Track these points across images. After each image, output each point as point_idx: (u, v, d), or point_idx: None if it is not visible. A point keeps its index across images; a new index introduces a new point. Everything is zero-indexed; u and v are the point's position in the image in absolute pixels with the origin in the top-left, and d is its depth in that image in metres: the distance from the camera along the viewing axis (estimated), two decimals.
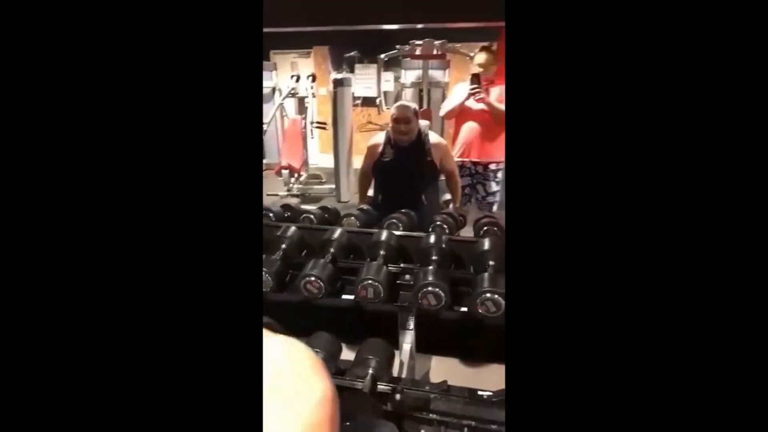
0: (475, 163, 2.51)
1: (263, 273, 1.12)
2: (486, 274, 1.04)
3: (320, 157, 5.05)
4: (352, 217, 1.42)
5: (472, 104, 2.39)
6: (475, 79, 2.30)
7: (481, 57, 2.38)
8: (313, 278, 1.08)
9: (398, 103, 1.97)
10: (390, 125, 1.93)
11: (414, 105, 2.01)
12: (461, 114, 2.45)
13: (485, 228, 1.29)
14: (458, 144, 2.51)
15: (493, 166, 2.48)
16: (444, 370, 1.33)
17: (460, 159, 2.48)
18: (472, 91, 2.30)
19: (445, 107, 2.54)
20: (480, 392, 1.14)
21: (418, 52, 3.76)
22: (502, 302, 0.98)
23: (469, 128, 2.47)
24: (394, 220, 1.37)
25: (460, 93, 2.42)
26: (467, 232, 1.44)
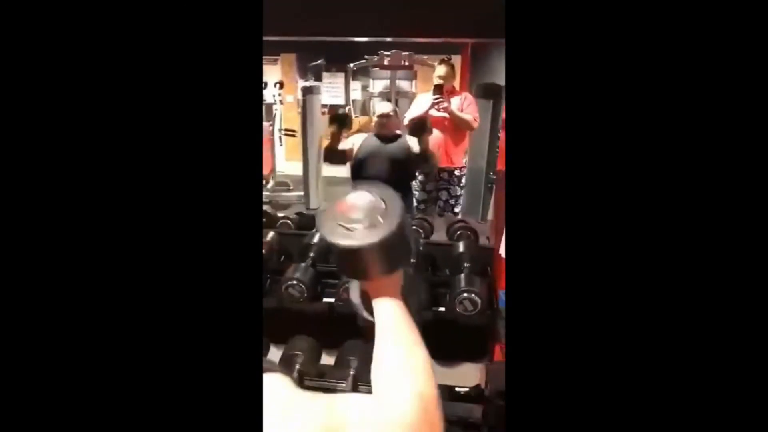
0: (439, 170, 2.60)
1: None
2: (462, 275, 1.09)
3: (286, 165, 5.02)
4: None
5: (435, 114, 2.47)
6: (438, 89, 2.39)
7: (441, 69, 2.48)
8: (294, 282, 1.09)
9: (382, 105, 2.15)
10: (375, 122, 2.11)
11: (393, 107, 2.17)
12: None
13: (459, 232, 1.35)
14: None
15: (457, 172, 2.57)
16: None
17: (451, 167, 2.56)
18: (436, 101, 2.39)
19: (409, 116, 2.61)
20: (458, 389, 1.19)
21: (386, 63, 3.84)
22: (479, 301, 1.04)
23: (435, 136, 2.55)
24: None
25: (423, 103, 2.50)
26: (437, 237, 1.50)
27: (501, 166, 2.86)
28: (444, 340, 1.34)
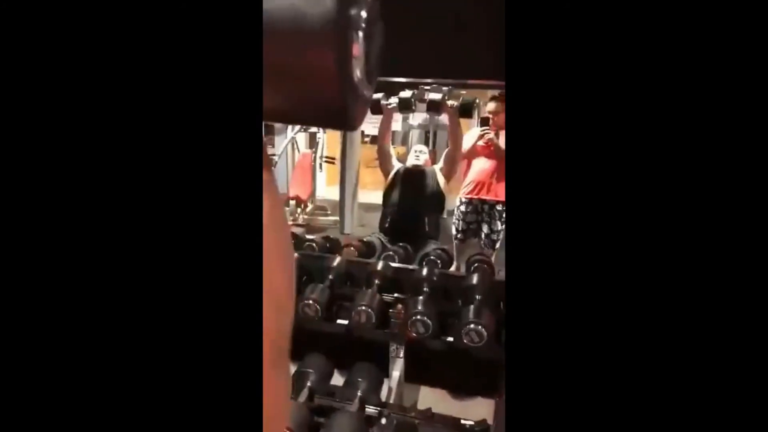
0: (482, 201, 2.63)
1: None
2: (472, 307, 1.11)
3: (327, 190, 5.20)
4: (351, 247, 1.51)
5: (483, 145, 2.54)
6: (486, 121, 2.47)
7: (491, 105, 2.56)
8: (310, 301, 1.16)
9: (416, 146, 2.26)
10: (410, 156, 2.26)
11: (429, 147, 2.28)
12: (471, 153, 2.59)
13: (476, 264, 1.37)
14: (468, 181, 2.64)
15: (499, 207, 2.59)
16: (431, 400, 1.37)
17: (468, 196, 2.60)
18: (482, 132, 2.46)
19: (464, 146, 2.69)
20: (463, 421, 1.19)
21: (425, 97, 3.96)
22: (485, 333, 1.05)
23: (480, 167, 2.60)
24: (390, 253, 1.46)
25: (471, 135, 2.57)
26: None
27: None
28: (455, 372, 1.36)
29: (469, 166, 2.68)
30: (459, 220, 2.67)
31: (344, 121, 0.25)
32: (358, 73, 0.23)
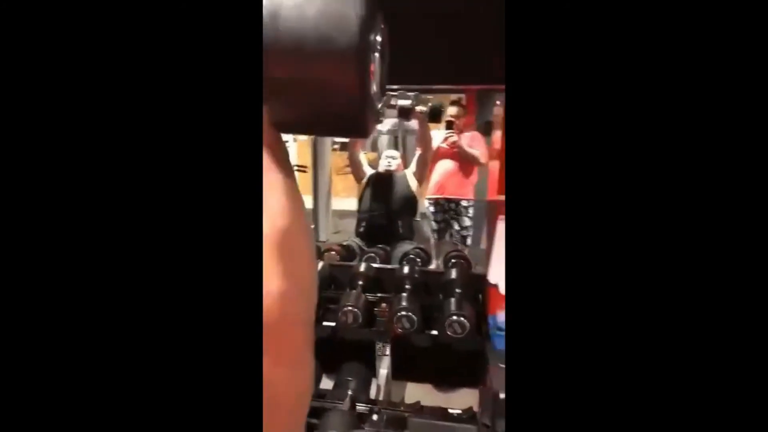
0: (448, 200, 2.73)
1: None
2: (453, 299, 1.17)
3: None
4: (333, 252, 1.54)
5: (446, 147, 2.64)
6: (450, 125, 2.57)
7: (452, 109, 2.66)
8: (350, 308, 1.18)
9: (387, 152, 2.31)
10: (380, 162, 2.35)
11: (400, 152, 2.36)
12: (435, 155, 2.67)
13: (453, 260, 1.43)
14: (432, 182, 2.73)
15: (464, 203, 2.70)
16: (419, 395, 1.42)
17: (434, 197, 2.68)
18: (447, 135, 2.56)
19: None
20: (450, 410, 1.24)
21: (392, 102, 4.03)
22: (467, 324, 1.11)
23: (443, 168, 2.70)
24: (372, 254, 1.50)
25: (435, 137, 2.66)
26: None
27: (491, 195, 2.99)
28: (440, 366, 1.41)
29: (432, 168, 2.77)
30: (431, 220, 2.76)
31: (362, 130, 0.28)
32: (374, 87, 0.26)
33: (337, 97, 0.25)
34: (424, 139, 2.30)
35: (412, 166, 2.39)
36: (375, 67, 0.26)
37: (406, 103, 2.19)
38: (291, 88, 0.25)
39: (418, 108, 2.20)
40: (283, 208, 0.29)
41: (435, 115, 2.29)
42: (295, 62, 0.25)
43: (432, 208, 2.76)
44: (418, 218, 2.55)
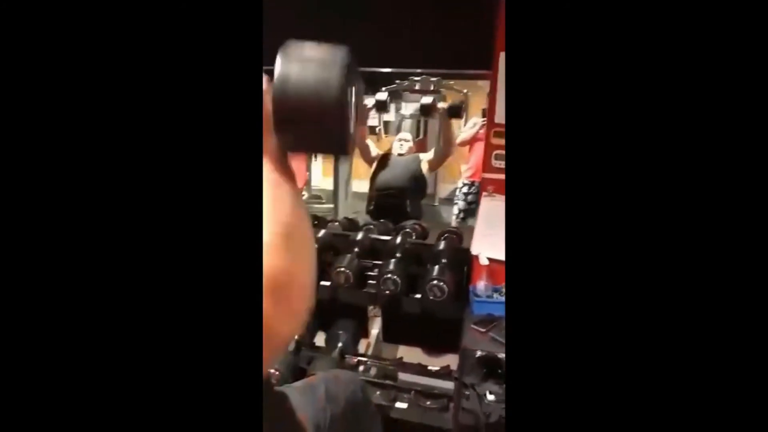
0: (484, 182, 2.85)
1: None
2: (436, 267, 1.28)
3: (323, 181, 5.36)
4: (336, 222, 1.68)
5: (483, 133, 2.74)
6: (485, 112, 2.67)
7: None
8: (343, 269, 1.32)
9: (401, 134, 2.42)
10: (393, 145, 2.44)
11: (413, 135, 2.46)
12: (474, 139, 2.78)
13: (445, 235, 1.54)
14: (470, 164, 2.84)
15: None
16: (406, 356, 1.55)
17: (471, 179, 2.80)
18: (484, 122, 2.66)
19: (461, 137, 2.87)
20: (429, 367, 1.37)
21: (416, 87, 4.11)
22: (446, 288, 1.22)
23: (480, 153, 2.79)
24: (371, 226, 1.62)
25: (472, 122, 2.76)
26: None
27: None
28: (425, 331, 1.52)
29: (471, 151, 2.86)
30: (460, 201, 2.85)
31: (344, 150, 0.41)
32: (352, 122, 0.40)
33: (327, 131, 0.39)
34: (446, 136, 2.37)
35: (430, 154, 2.47)
36: (350, 108, 0.40)
37: (428, 101, 2.31)
38: (295, 125, 0.39)
39: (440, 105, 2.30)
40: (290, 213, 0.40)
41: (455, 112, 2.37)
42: (298, 109, 0.38)
43: (465, 189, 2.86)
44: (436, 203, 2.65)
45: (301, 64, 0.38)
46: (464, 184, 2.87)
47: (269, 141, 0.40)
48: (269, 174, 0.40)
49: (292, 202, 0.40)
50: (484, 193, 1.28)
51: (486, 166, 1.26)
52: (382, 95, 2.21)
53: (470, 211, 2.83)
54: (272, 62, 0.37)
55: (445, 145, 2.41)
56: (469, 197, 2.83)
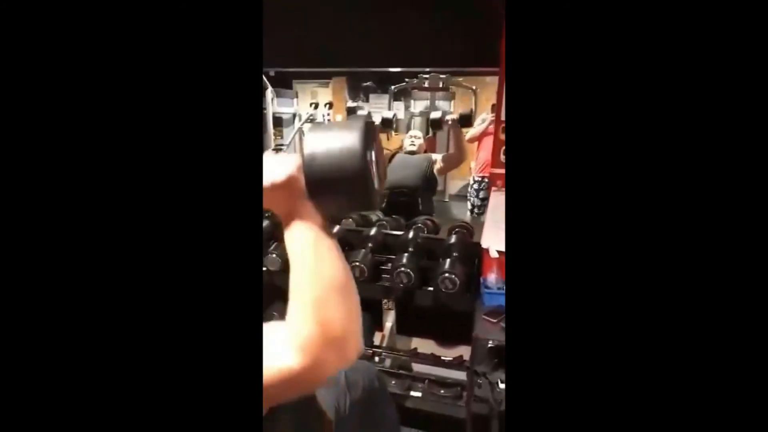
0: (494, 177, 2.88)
1: (275, 256, 1.42)
2: (448, 260, 1.32)
3: None
4: (350, 219, 1.72)
5: (491, 130, 2.77)
6: (494, 108, 2.71)
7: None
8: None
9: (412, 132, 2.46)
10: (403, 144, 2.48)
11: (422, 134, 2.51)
12: (483, 136, 2.81)
13: (456, 230, 1.58)
14: (479, 161, 2.87)
15: None
16: (420, 347, 1.59)
17: (480, 174, 2.83)
18: (492, 118, 2.69)
19: (470, 134, 2.90)
20: (443, 357, 1.40)
21: (425, 85, 4.13)
22: (457, 280, 1.26)
23: (488, 148, 2.83)
24: (384, 222, 1.67)
25: (481, 119, 2.79)
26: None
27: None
28: (438, 323, 1.56)
29: (480, 147, 2.89)
30: (473, 197, 2.89)
31: (373, 207, 0.49)
32: (376, 182, 0.47)
33: (355, 196, 0.46)
34: (458, 146, 2.41)
35: (439, 157, 2.51)
36: (373, 169, 0.46)
37: (437, 115, 2.38)
38: (326, 194, 0.46)
39: (448, 117, 2.35)
40: (336, 267, 0.45)
41: (466, 121, 2.41)
42: (326, 181, 0.44)
43: (477, 185, 2.90)
44: (446, 199, 2.68)
45: (326, 140, 0.43)
46: (475, 181, 2.91)
47: (304, 209, 0.45)
48: (310, 234, 0.45)
49: (336, 257, 0.45)
50: (493, 188, 1.31)
51: (495, 161, 1.29)
52: (389, 113, 2.35)
53: (483, 207, 2.86)
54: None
55: (458, 152, 2.44)
56: (481, 193, 2.86)
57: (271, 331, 0.43)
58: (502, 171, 1.28)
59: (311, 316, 0.41)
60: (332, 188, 0.44)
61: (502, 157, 1.27)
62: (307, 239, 0.44)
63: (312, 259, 0.44)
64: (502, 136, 1.25)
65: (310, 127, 0.45)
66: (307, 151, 0.43)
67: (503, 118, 1.24)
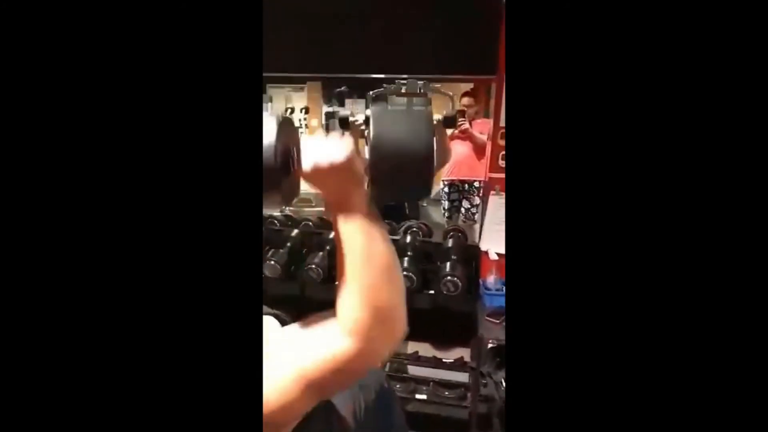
0: (462, 181, 2.94)
1: (273, 263, 1.40)
2: (448, 263, 1.34)
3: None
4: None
5: (458, 134, 2.83)
6: (461, 114, 2.76)
7: (465, 100, 2.86)
8: (313, 266, 1.36)
9: None
10: None
11: None
12: (451, 140, 2.86)
13: (451, 233, 1.60)
14: (448, 164, 2.93)
15: (476, 184, 2.90)
16: (420, 351, 1.60)
17: (449, 178, 2.89)
18: (460, 122, 2.76)
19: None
20: (444, 360, 1.42)
21: (403, 90, 4.17)
22: (459, 283, 1.28)
23: (457, 152, 2.90)
24: None
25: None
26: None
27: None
28: (438, 326, 1.58)
29: None
30: (444, 200, 2.95)
31: (428, 194, 0.47)
32: (435, 166, 0.46)
33: (419, 181, 0.45)
34: (441, 147, 2.43)
35: None
36: (435, 155, 0.45)
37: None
38: (390, 175, 0.45)
39: (435, 116, 2.37)
40: (386, 254, 0.45)
41: (450, 123, 2.45)
42: (394, 161, 0.44)
43: (447, 189, 2.95)
44: (424, 204, 2.72)
45: (392, 121, 0.43)
46: (444, 184, 2.99)
47: (358, 193, 0.45)
48: (363, 220, 0.45)
49: (386, 245, 0.46)
50: (492, 192, 1.35)
51: (493, 166, 1.33)
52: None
53: (453, 208, 2.95)
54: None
55: (442, 153, 2.48)
56: (452, 196, 2.95)
57: (317, 323, 0.44)
58: (501, 175, 1.31)
59: (363, 302, 0.42)
60: (398, 172, 0.43)
61: (501, 162, 1.31)
62: (360, 225, 0.44)
63: (365, 246, 0.44)
64: (501, 142, 1.29)
65: (373, 107, 0.43)
66: (374, 133, 0.42)
67: (502, 123, 1.28)
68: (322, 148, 0.43)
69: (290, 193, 0.45)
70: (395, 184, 0.44)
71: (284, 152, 0.42)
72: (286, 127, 0.43)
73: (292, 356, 0.44)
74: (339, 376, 0.44)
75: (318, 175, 0.43)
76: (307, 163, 0.43)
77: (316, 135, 0.45)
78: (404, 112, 0.44)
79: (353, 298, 0.43)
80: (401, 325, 0.45)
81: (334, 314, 0.45)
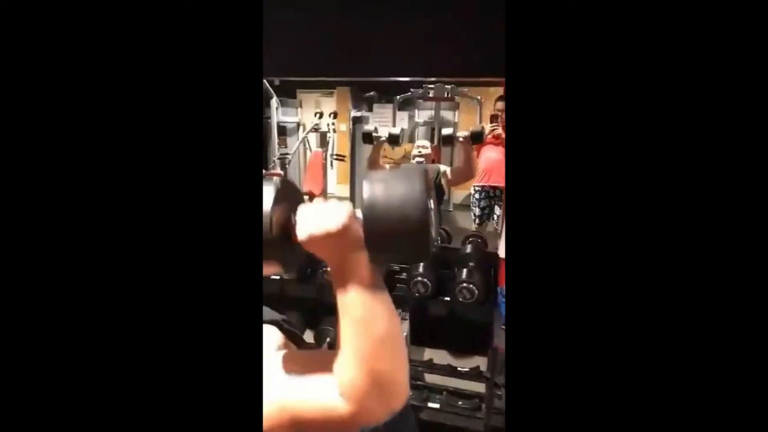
0: (493, 187, 2.89)
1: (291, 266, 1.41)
2: (465, 269, 1.31)
3: (338, 188, 5.43)
4: None
5: (491, 139, 2.79)
6: (494, 118, 2.72)
7: (499, 104, 2.82)
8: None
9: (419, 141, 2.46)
10: (413, 153, 2.43)
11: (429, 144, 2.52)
12: (482, 146, 2.84)
13: (470, 239, 1.57)
14: (479, 170, 2.90)
15: None
16: (435, 358, 1.57)
17: (480, 184, 2.86)
18: (492, 128, 2.72)
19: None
20: (459, 368, 1.39)
21: (430, 95, 4.15)
22: (475, 290, 1.25)
23: (488, 157, 2.86)
24: None
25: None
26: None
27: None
28: (453, 333, 1.55)
29: (479, 156, 2.92)
30: (474, 207, 2.91)
31: (428, 258, 0.46)
32: (433, 229, 0.44)
33: (415, 245, 0.44)
34: (467, 162, 2.40)
35: (448, 169, 2.51)
36: (432, 219, 0.44)
37: (448, 132, 2.39)
38: (386, 244, 0.43)
39: (460, 134, 2.37)
40: (387, 320, 0.43)
41: (478, 138, 2.42)
42: (388, 230, 0.42)
43: (477, 195, 2.92)
44: (450, 209, 2.70)
45: (385, 187, 0.43)
46: (476, 190, 2.95)
47: (357, 259, 0.44)
48: (362, 286, 0.44)
49: (387, 310, 0.45)
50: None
51: None
52: (395, 130, 2.33)
53: (484, 215, 2.90)
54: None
55: (466, 169, 2.45)
56: (482, 203, 2.91)
57: (318, 375, 0.45)
58: None
59: (360, 367, 0.43)
60: (393, 238, 0.43)
61: None
62: (359, 291, 0.44)
63: (364, 313, 0.44)
64: None
65: (367, 174, 0.44)
66: (366, 199, 0.42)
67: None
68: (317, 216, 0.44)
69: (293, 259, 0.46)
70: (391, 251, 0.44)
71: (283, 219, 0.43)
72: (285, 192, 0.44)
73: (283, 390, 0.45)
74: (326, 427, 0.44)
75: (314, 243, 0.43)
76: (302, 231, 0.44)
77: (314, 203, 0.45)
78: (397, 176, 0.44)
79: (350, 364, 0.43)
80: (400, 390, 0.44)
81: (330, 356, 0.46)
